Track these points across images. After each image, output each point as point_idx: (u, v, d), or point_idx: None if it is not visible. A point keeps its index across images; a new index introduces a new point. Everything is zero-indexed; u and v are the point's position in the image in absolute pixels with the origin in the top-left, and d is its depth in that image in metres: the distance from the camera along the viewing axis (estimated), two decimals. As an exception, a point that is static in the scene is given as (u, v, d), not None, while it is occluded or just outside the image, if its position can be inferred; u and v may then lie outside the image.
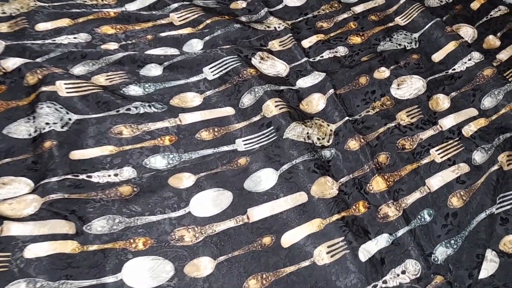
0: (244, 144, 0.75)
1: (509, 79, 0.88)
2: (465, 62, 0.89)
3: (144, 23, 0.89)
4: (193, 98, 0.80)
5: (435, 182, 0.73)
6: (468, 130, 0.80)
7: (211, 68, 0.83)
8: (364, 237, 0.66)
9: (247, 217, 0.66)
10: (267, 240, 0.64)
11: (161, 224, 0.63)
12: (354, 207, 0.69)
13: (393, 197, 0.70)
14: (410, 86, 0.87)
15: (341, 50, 0.92)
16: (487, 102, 0.84)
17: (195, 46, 0.88)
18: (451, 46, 0.90)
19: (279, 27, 0.92)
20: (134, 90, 0.79)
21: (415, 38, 0.94)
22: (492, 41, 0.98)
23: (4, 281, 0.53)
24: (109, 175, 0.67)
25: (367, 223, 0.68)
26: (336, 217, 0.66)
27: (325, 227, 0.65)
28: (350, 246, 0.63)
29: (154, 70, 0.82)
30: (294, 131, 0.74)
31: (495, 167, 0.74)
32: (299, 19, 0.96)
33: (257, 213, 0.66)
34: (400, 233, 0.67)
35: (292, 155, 0.71)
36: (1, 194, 0.60)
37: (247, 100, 0.79)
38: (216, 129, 0.76)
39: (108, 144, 0.71)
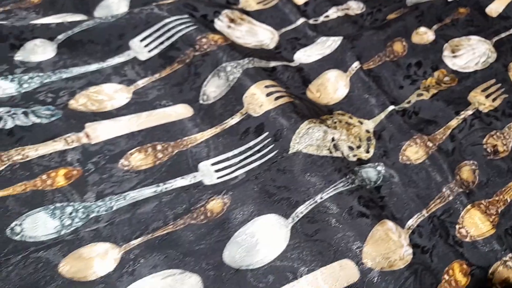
0: (216, 171, 0.40)
1: None
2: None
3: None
4: (113, 94, 0.45)
5: None
6: None
7: (144, 39, 0.48)
8: None
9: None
10: None
11: None
12: (446, 276, 0.36)
13: (509, 246, 0.38)
14: (472, 52, 0.56)
15: (354, 6, 0.60)
16: None
17: (115, 7, 0.53)
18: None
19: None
20: (0, 87, 0.43)
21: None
22: None
23: None
24: None
25: (479, 309, 0.34)
26: (427, 309, 0.32)
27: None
28: None
29: (41, 50, 0.48)
30: (310, 138, 0.40)
31: None
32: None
33: (258, 319, 0.32)
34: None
35: (311, 186, 0.38)
36: None
37: (213, 88, 0.45)
38: (159, 148, 0.41)
39: None
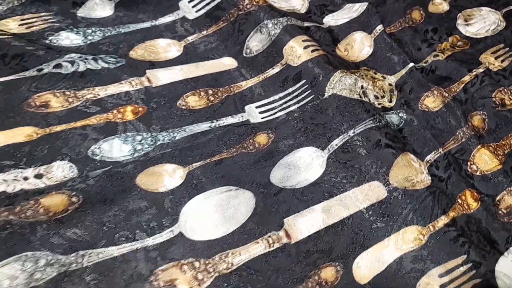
0: (260, 113, 0.47)
1: None
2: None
3: None
4: (167, 47, 0.51)
5: None
6: None
7: (192, 0, 0.55)
8: (492, 251, 0.39)
9: (285, 234, 0.38)
10: (328, 273, 0.36)
11: (130, 262, 0.34)
12: (459, 200, 0.42)
13: (513, 180, 0.44)
14: (483, 21, 0.62)
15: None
16: None
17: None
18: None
19: None
20: (68, 38, 0.50)
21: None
22: None
23: None
24: (25, 178, 0.38)
25: (487, 226, 0.41)
26: (443, 220, 0.39)
27: (428, 241, 0.38)
28: (478, 271, 0.37)
29: (100, 8, 0.54)
30: (343, 84, 0.47)
31: None
32: None
33: (303, 225, 0.38)
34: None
35: (344, 123, 0.44)
36: None
37: (256, 43, 0.51)
38: (210, 92, 0.48)
39: (23, 124, 0.41)
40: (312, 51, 0.49)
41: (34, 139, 0.41)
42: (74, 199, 0.36)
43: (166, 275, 0.35)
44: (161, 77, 0.48)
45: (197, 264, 0.36)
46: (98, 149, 0.41)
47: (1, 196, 0.36)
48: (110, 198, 0.37)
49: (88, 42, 0.51)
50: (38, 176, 0.38)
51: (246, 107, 0.48)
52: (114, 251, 0.35)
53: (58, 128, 0.42)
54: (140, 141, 0.43)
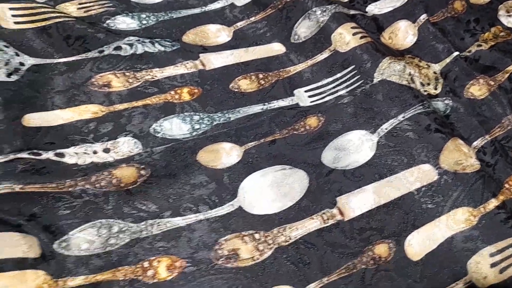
0: (309, 96, 0.48)
1: None
2: None
3: None
4: (217, 33, 0.53)
5: None
6: None
7: (240, -13, 0.56)
8: (540, 233, 0.40)
9: (339, 212, 0.40)
10: (381, 249, 0.38)
11: (196, 232, 0.36)
12: (506, 185, 0.44)
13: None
14: (525, 12, 0.62)
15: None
16: None
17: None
18: None
19: None
20: (124, 22, 0.52)
21: None
22: None
23: None
24: (95, 152, 0.40)
25: (534, 211, 0.42)
26: (493, 203, 0.40)
27: (479, 222, 0.39)
28: (528, 251, 0.38)
29: (152, -6, 0.55)
30: (392, 70, 0.48)
31: None
32: None
33: (355, 204, 0.40)
34: None
35: (394, 107, 0.46)
36: None
37: (304, 29, 0.53)
38: (261, 76, 0.50)
39: (88, 102, 0.43)
40: (361, 38, 0.51)
41: (99, 116, 0.43)
42: (142, 172, 0.39)
43: (229, 244, 0.37)
44: (214, 61, 0.50)
45: (257, 236, 0.38)
46: (159, 127, 0.44)
47: (73, 167, 0.39)
48: (174, 172, 0.40)
49: (143, 26, 0.53)
50: (106, 150, 0.41)
51: (295, 91, 0.50)
52: (180, 221, 0.37)
53: (121, 106, 0.44)
54: (198, 120, 0.45)
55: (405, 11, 0.58)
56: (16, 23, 0.47)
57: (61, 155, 0.39)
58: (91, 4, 0.54)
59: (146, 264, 0.34)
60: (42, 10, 0.49)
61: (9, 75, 0.43)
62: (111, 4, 0.54)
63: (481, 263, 0.38)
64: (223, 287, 0.35)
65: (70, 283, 0.33)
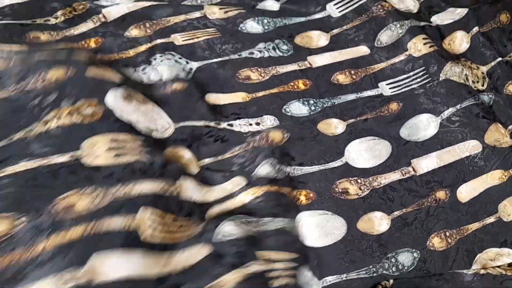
0: (390, 88, 0.69)
1: None
2: None
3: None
4: (317, 38, 0.73)
5: None
6: None
7: (336, 4, 0.76)
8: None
9: (413, 169, 0.60)
10: (441, 194, 0.59)
11: (321, 176, 0.58)
12: (531, 156, 0.63)
13: None
14: (559, 24, 0.80)
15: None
16: None
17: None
18: None
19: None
20: (252, 27, 0.72)
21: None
22: None
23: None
24: (250, 124, 0.62)
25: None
26: (519, 165, 0.61)
27: (508, 180, 0.59)
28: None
29: (271, 3, 0.76)
30: (453, 72, 0.68)
31: None
32: None
33: (424, 164, 0.61)
34: None
35: (453, 99, 0.65)
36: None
37: (386, 38, 0.72)
38: (353, 72, 0.70)
39: (237, 90, 0.65)
40: (430, 46, 0.70)
41: (246, 100, 0.65)
42: (285, 135, 0.60)
43: (341, 185, 0.58)
44: (318, 61, 0.71)
45: (359, 180, 0.59)
46: (288, 108, 0.65)
47: (237, 134, 0.61)
48: (304, 137, 0.61)
49: (266, 30, 0.73)
50: (257, 124, 0.62)
51: (379, 84, 0.70)
52: (312, 169, 0.59)
53: (260, 94, 0.66)
54: (313, 103, 0.66)
55: (462, 23, 0.77)
56: (183, 40, 0.68)
57: (231, 125, 0.61)
58: (229, 8, 0.74)
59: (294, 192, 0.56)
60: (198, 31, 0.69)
61: (186, 77, 0.64)
62: (241, 8, 0.74)
63: (507, 206, 0.58)
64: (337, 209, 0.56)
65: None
